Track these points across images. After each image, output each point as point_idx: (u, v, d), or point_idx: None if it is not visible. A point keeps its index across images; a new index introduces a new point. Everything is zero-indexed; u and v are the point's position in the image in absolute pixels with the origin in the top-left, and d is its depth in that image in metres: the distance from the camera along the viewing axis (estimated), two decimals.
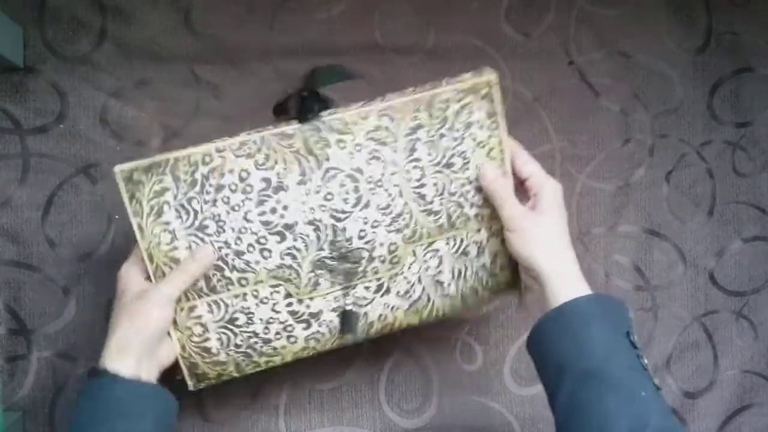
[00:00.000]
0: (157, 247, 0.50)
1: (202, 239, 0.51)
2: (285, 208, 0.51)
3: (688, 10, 0.75)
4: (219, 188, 0.50)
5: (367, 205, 0.52)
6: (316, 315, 0.54)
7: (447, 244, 0.55)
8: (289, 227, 0.51)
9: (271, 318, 0.53)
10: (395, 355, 0.69)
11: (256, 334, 0.54)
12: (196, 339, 0.53)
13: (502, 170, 0.54)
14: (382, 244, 0.53)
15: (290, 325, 0.54)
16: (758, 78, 0.76)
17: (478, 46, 0.72)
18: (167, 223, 0.50)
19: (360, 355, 0.68)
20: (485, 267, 0.57)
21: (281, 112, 0.56)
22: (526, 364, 0.71)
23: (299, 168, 0.51)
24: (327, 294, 0.54)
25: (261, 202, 0.51)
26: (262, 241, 0.51)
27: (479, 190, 0.54)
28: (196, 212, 0.50)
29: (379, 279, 0.55)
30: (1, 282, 0.63)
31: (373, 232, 0.53)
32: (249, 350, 0.54)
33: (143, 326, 0.48)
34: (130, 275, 0.51)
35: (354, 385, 0.69)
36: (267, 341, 0.54)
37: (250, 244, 0.51)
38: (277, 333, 0.54)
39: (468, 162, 0.53)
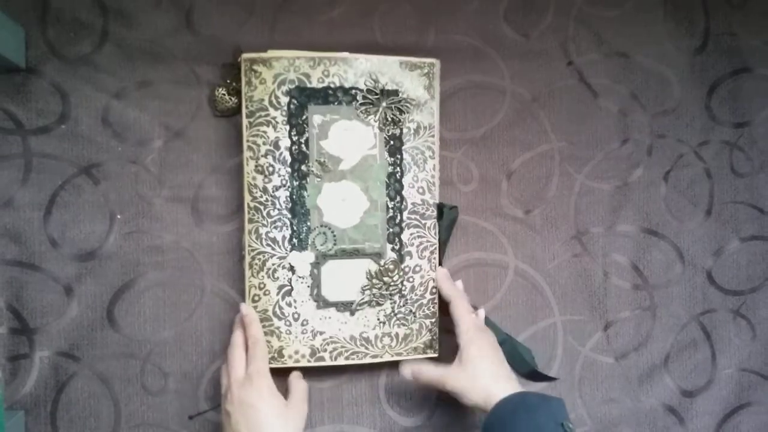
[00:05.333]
0: None
1: None
2: None
3: (686, 11, 0.76)
4: None
5: None
6: None
7: None
8: None
9: None
10: None
11: None
12: None
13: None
14: None
15: None
16: (756, 78, 0.76)
17: (478, 46, 0.72)
18: None
19: None
20: None
21: None
22: None
23: None
24: None
25: None
26: None
27: None
28: None
29: None
30: (3, 281, 0.64)
31: None
32: None
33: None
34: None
35: (354, 383, 0.69)
36: None
37: None
38: None
39: None
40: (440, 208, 0.67)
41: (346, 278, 0.65)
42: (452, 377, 0.59)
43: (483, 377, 0.58)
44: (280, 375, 0.63)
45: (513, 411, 0.54)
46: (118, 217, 0.66)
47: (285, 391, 0.65)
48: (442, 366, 0.61)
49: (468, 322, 0.62)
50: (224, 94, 0.66)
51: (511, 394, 0.56)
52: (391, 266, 0.65)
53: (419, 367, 0.62)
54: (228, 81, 0.66)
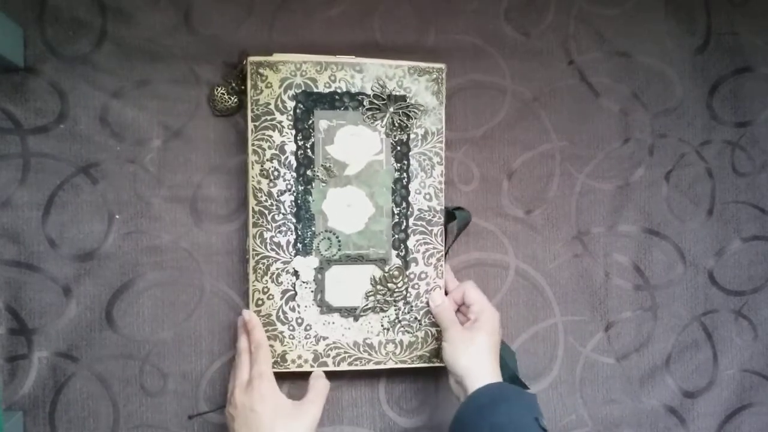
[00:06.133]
0: None
1: None
2: None
3: (687, 9, 0.76)
4: None
5: None
6: None
7: None
8: None
9: None
10: None
11: None
12: None
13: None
14: None
15: None
16: (757, 78, 0.76)
17: (478, 46, 0.72)
18: None
19: None
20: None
21: None
22: (527, 363, 0.71)
23: None
24: None
25: None
26: None
27: None
28: None
29: None
30: (1, 282, 0.63)
31: None
32: None
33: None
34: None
35: (354, 384, 0.69)
36: None
37: None
38: None
39: None
40: (448, 211, 0.67)
41: (350, 284, 0.64)
42: (455, 331, 0.61)
43: (475, 356, 0.59)
44: (286, 379, 0.63)
45: (492, 400, 0.55)
46: (117, 217, 0.65)
47: (289, 394, 0.66)
48: (455, 329, 0.61)
49: (493, 311, 0.62)
50: (223, 94, 0.66)
51: (490, 383, 0.56)
52: (396, 272, 0.65)
53: (446, 309, 0.63)
54: (229, 81, 0.66)
